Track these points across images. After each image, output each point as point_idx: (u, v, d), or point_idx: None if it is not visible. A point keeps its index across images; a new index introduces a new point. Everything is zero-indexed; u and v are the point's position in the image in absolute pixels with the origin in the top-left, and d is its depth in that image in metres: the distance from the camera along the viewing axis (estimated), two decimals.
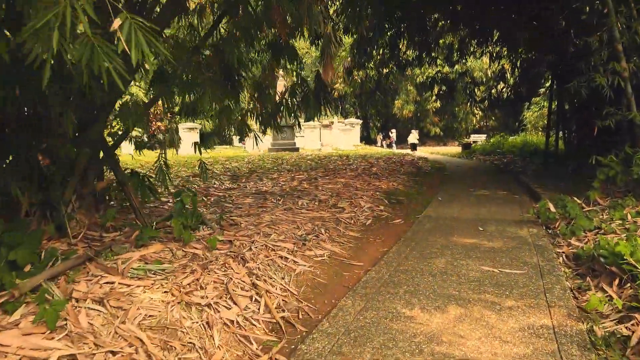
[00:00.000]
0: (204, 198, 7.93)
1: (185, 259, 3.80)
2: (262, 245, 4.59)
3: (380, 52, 17.35)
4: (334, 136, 29.24)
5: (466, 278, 4.21)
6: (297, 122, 12.79)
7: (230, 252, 4.25)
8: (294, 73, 6.73)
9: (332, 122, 32.38)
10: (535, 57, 15.12)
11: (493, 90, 38.67)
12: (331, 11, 15.78)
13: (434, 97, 34.98)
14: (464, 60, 19.66)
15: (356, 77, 27.83)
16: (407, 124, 41.03)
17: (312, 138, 28.56)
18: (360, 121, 34.01)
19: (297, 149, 22.72)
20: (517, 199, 9.02)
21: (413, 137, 28.63)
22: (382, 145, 36.25)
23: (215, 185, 10.16)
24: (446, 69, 21.21)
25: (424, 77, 18.37)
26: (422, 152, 29.31)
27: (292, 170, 13.08)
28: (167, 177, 6.11)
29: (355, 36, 15.69)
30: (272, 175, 11.85)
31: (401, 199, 8.75)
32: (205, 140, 24.17)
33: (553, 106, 15.09)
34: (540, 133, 29.46)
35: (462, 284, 4.04)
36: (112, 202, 5.52)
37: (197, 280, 3.34)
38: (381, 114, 41.45)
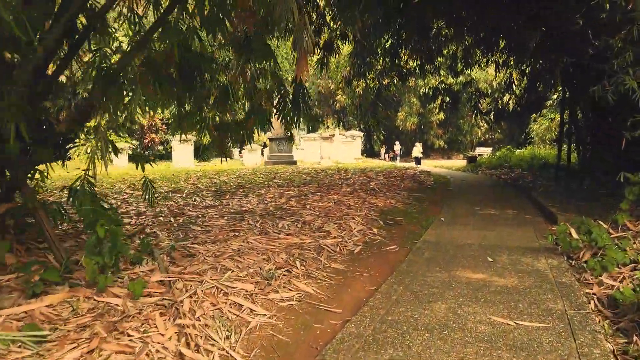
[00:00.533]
0: (171, 219, 6.97)
1: (90, 315, 2.81)
2: (212, 288, 3.61)
3: (381, 61, 16.54)
4: (334, 149, 28.34)
5: (473, 335, 3.20)
6: (289, 133, 11.90)
7: (165, 299, 3.27)
8: (270, 74, 5.78)
9: (334, 135, 31.53)
10: (544, 63, 14.18)
11: (499, 102, 37.92)
12: (328, 18, 15.04)
13: (437, 109, 34.16)
14: (468, 70, 18.82)
15: (357, 88, 26.97)
16: (411, 136, 40.16)
17: (312, 151, 27.66)
18: (361, 133, 33.10)
19: (294, 162, 21.81)
20: (530, 219, 8.00)
21: (417, 150, 27.74)
22: (385, 159, 35.33)
23: (195, 203, 9.22)
24: (450, 79, 20.36)
25: (427, 88, 17.43)
26: (426, 165, 28.35)
27: (283, 186, 12.12)
28: (151, 195, 5.23)
29: (353, 44, 14.87)
30: (259, 191, 10.89)
31: (398, 220, 7.75)
32: (202, 153, 23.24)
33: (565, 116, 14.10)
34: (548, 146, 28.45)
35: (468, 346, 3.03)
36: (19, 232, 4.51)
37: (90, 353, 2.35)
38: (383, 126, 40.57)
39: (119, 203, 8.89)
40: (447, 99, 17.41)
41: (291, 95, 5.58)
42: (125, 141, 25.29)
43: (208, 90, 5.59)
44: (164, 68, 4.92)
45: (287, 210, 7.90)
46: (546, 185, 12.29)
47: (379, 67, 17.07)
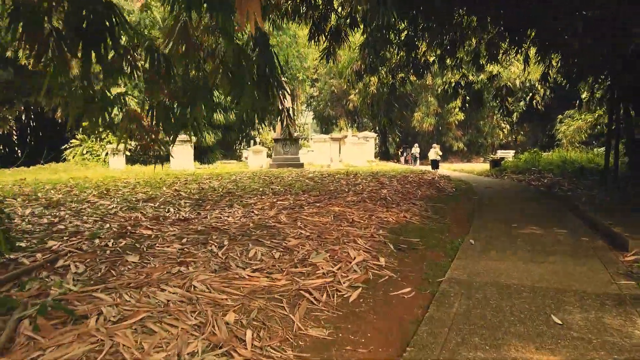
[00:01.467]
0: (109, 242, 5.23)
1: None
2: None
3: (395, 54, 14.79)
4: (346, 151, 26.54)
5: None
6: (287, 132, 10.51)
7: None
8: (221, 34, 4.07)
9: (346, 136, 29.75)
10: (586, 57, 12.21)
11: (521, 102, 35.66)
12: (335, 4, 13.51)
13: (457, 109, 32.13)
14: (490, 67, 16.92)
15: (370, 86, 25.20)
16: (428, 138, 38.18)
17: (322, 153, 25.90)
18: (375, 135, 31.26)
19: (301, 165, 20.07)
20: (588, 243, 6.10)
21: (434, 152, 25.34)
22: (401, 162, 33.32)
23: (166, 215, 7.52)
24: (472, 76, 18.42)
25: (447, 85, 15.54)
26: (444, 169, 26.35)
27: (279, 193, 10.36)
28: None
29: (364, 34, 13.18)
30: (249, 200, 9.14)
31: (414, 242, 5.93)
32: (205, 155, 21.70)
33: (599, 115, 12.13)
34: (578, 149, 26.27)
35: None
36: None
37: None
38: (397, 126, 38.65)
39: (66, 216, 7.20)
40: (468, 97, 15.49)
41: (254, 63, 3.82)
42: (125, 142, 23.76)
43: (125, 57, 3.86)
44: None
45: (271, 229, 6.12)
46: (591, 196, 10.31)
47: (394, 60, 15.29)
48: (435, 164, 23.61)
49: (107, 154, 21.97)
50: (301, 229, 6.15)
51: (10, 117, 22.97)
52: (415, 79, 23.58)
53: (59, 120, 23.65)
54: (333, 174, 16.57)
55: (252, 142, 33.42)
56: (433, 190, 12.12)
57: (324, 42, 13.35)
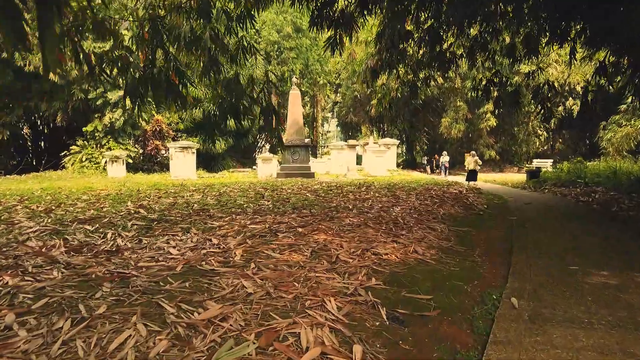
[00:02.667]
0: None
1: None
2: None
3: (416, 48, 12.66)
4: (366, 159, 24.34)
5: None
6: (275, 137, 8.88)
7: None
8: None
9: (367, 143, 27.59)
10: None
11: (560, 107, 32.69)
12: None
13: (488, 114, 29.53)
14: (529, 62, 14.51)
15: (389, 85, 22.98)
16: (458, 145, 35.64)
17: (339, 161, 23.77)
18: (396, 142, 28.94)
19: (312, 175, 17.99)
20: None
21: (473, 162, 20.96)
22: (427, 171, 30.76)
23: (97, 243, 5.55)
24: (506, 73, 16.03)
25: (476, 83, 13.27)
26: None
27: (262, 212, 8.29)
28: None
29: (381, 25, 11.16)
30: (218, 221, 7.11)
31: (423, 303, 3.76)
32: (215, 162, 19.72)
33: None
34: (626, 158, 23.39)
35: None
36: None
37: None
38: (423, 132, 36.26)
39: None
40: (501, 98, 13.12)
41: None
42: (126, 148, 22.25)
43: None
44: None
45: (202, 278, 4.05)
46: None
47: (415, 56, 13.13)
48: (472, 175, 20.29)
49: (106, 161, 20.43)
50: (250, 277, 4.05)
51: (11, 122, 21.67)
52: (440, 78, 21.25)
53: (60, 125, 22.27)
54: (343, 185, 14.41)
55: (263, 149, 31.56)
56: (459, 208, 9.85)
57: (328, 30, 11.25)
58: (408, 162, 46.04)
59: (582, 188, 14.85)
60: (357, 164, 33.88)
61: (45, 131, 24.10)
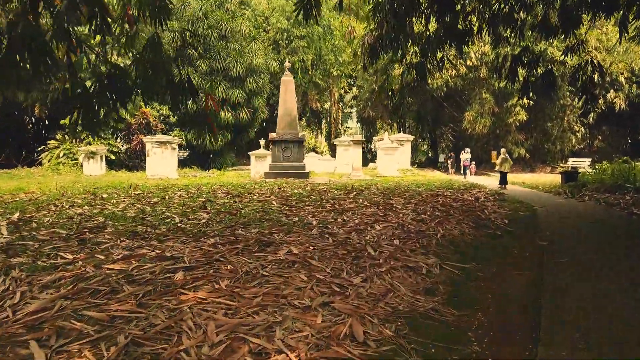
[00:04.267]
0: None
1: None
2: None
3: (423, 21, 10.13)
4: (379, 157, 21.63)
5: None
6: (208, 129, 6.52)
7: None
8: None
9: (382, 139, 24.87)
10: None
11: (600, 101, 29.14)
12: None
13: (518, 106, 26.32)
14: (551, 47, 11.57)
15: (393, 68, 20.36)
16: (483, 142, 32.52)
17: (346, 160, 21.14)
18: (411, 137, 26.09)
19: (305, 175, 15.42)
20: None
21: (504, 162, 16.73)
22: (451, 172, 27.53)
23: None
24: (541, 45, 13.19)
25: (500, 61, 10.49)
26: (496, 181, 20.86)
27: (177, 233, 5.80)
28: None
29: None
30: (79, 253, 4.66)
31: None
32: (212, 160, 17.16)
33: None
34: None
35: None
36: None
37: None
38: (446, 127, 33.25)
39: None
40: (531, 81, 10.33)
41: None
42: (108, 143, 20.13)
43: None
44: None
45: None
46: None
47: (423, 30, 10.47)
48: (504, 178, 16.49)
49: (83, 157, 18.33)
50: None
51: None
52: (456, 60, 18.64)
53: (38, 118, 20.32)
54: (333, 189, 11.80)
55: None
56: (469, 225, 7.16)
57: None
58: (431, 161, 42.99)
59: (633, 195, 11.86)
60: (372, 162, 31.13)
61: (29, 125, 22.28)
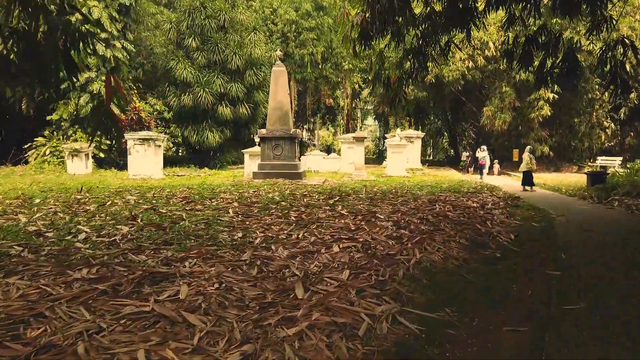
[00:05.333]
0: None
1: None
2: None
3: None
4: (388, 156, 19.99)
5: None
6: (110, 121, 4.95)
7: None
8: None
9: (394, 136, 23.23)
10: None
11: (632, 94, 26.81)
12: None
13: (541, 100, 24.26)
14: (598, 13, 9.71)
15: (388, 54, 18.66)
16: (504, 139, 30.51)
17: (351, 158, 19.59)
18: (421, 134, 24.34)
19: (298, 175, 13.91)
20: None
21: (528, 160, 14.79)
22: (470, 171, 25.51)
23: None
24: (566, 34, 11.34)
25: (510, 41, 8.76)
26: (513, 181, 19.01)
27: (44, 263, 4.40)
28: None
29: None
30: None
31: None
32: (211, 158, 15.86)
33: None
34: None
35: None
36: None
37: None
38: (466, 123, 31.33)
39: None
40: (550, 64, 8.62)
41: None
42: (96, 140, 19.02)
43: None
44: None
45: None
46: None
47: (425, 10, 8.89)
48: (528, 179, 14.37)
49: (67, 155, 17.24)
50: None
51: None
52: (460, 42, 16.91)
53: (25, 113, 19.36)
54: (318, 193, 10.26)
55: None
56: (459, 244, 5.58)
57: None
58: (450, 159, 40.95)
59: None
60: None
61: (16, 121, 21.30)
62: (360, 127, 50.28)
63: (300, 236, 5.63)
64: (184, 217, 6.65)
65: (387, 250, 5.02)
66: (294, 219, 6.81)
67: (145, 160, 15.16)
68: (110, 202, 7.90)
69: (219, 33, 21.52)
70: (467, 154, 28.69)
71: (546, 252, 5.79)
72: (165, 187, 11.03)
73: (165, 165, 22.97)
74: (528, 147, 15.27)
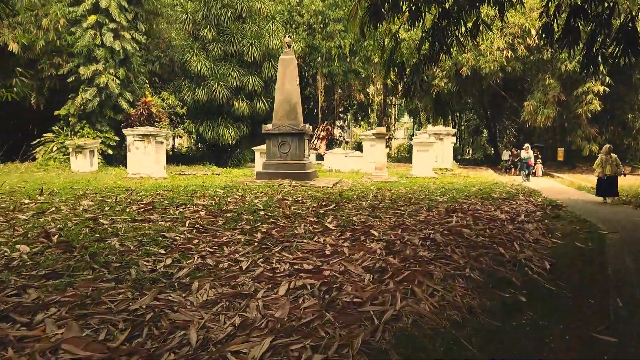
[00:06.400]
0: None
1: None
2: None
3: None
4: (413, 155, 18.21)
5: None
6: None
7: None
8: None
9: (425, 133, 21.42)
10: None
11: None
12: None
13: (590, 93, 21.79)
14: None
15: (401, 36, 17.28)
16: (549, 137, 28.15)
17: (375, 156, 17.92)
18: (452, 130, 22.28)
19: (306, 175, 12.37)
20: None
21: (606, 163, 11.12)
22: (512, 172, 22.75)
23: None
24: None
25: (549, 14, 6.93)
26: (563, 184, 16.92)
27: None
28: None
29: None
30: None
31: None
32: (228, 155, 14.68)
33: None
34: None
35: None
36: None
37: None
38: (508, 119, 29.05)
39: None
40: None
41: None
42: (104, 136, 18.13)
43: None
44: None
45: None
46: None
47: None
48: (611, 186, 11.18)
49: (71, 152, 16.34)
50: None
51: None
52: (491, 21, 15.15)
53: (35, 108, 18.69)
54: (315, 198, 8.73)
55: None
56: (469, 282, 3.96)
57: None
58: (489, 158, 38.48)
59: None
60: None
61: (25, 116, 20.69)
62: (394, 124, 48.21)
63: (248, 265, 4.16)
64: (121, 232, 5.29)
65: (357, 293, 3.48)
66: (259, 236, 5.33)
67: (145, 158, 14.03)
68: (54, 209, 6.64)
69: (235, 23, 20.25)
70: (509, 152, 26.28)
71: (594, 293, 4.09)
72: (145, 189, 9.74)
73: (181, 162, 22.04)
74: (607, 145, 11.12)
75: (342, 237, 5.45)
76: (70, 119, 18.04)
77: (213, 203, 7.64)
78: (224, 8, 20.05)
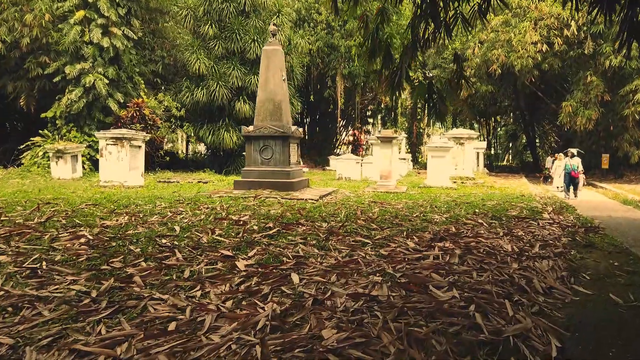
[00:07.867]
0: None
1: None
2: None
3: None
4: (429, 161, 16.04)
5: None
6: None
7: None
8: None
9: (442, 135, 19.22)
10: None
11: None
12: None
13: (639, 92, 18.96)
14: None
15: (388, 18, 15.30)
16: (592, 142, 25.17)
17: (384, 163, 15.89)
18: (475, 134, 19.86)
19: (290, 185, 10.50)
20: None
21: None
22: (549, 181, 19.38)
23: None
24: None
25: None
26: (606, 196, 14.40)
27: None
28: None
29: None
30: None
31: None
32: (231, 161, 13.09)
33: None
34: None
35: None
36: None
37: None
38: (548, 123, 26.37)
39: None
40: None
41: None
42: (93, 140, 16.82)
43: None
44: None
45: None
46: None
47: None
48: None
49: (51, 157, 15.07)
50: None
51: None
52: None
53: (24, 110, 17.65)
54: (273, 217, 6.86)
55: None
56: None
57: None
58: (526, 165, 35.60)
59: None
60: None
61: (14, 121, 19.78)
62: (425, 129, 45.59)
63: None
64: None
65: None
66: (108, 283, 3.53)
67: (119, 164, 12.53)
68: None
69: (238, 18, 18.66)
70: (552, 159, 22.78)
71: None
72: (71, 203, 8.10)
73: (187, 169, 20.57)
74: None
75: (241, 286, 3.59)
76: (57, 121, 16.85)
77: (121, 223, 5.89)
78: (226, 2, 18.51)
